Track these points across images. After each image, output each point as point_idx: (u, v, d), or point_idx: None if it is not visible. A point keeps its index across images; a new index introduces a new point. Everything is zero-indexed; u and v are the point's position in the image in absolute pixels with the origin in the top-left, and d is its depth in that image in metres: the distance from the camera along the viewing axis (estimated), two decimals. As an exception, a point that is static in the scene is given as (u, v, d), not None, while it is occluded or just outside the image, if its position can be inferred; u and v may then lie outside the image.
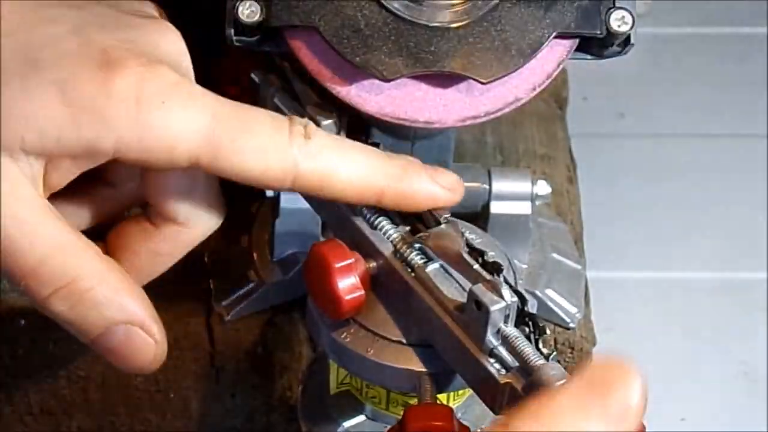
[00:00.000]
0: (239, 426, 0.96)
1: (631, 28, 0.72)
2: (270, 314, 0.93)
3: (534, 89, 0.74)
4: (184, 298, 0.94)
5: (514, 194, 0.89)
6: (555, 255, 0.95)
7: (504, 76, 0.71)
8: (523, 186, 0.90)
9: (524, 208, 0.90)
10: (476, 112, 0.74)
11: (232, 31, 0.73)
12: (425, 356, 0.70)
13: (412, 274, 0.69)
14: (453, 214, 0.73)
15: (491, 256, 0.68)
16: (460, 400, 0.76)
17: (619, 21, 0.72)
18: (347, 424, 0.79)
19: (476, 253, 0.69)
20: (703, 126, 1.43)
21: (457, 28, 0.71)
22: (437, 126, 0.74)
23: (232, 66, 0.88)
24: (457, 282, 0.68)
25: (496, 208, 0.90)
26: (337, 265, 0.69)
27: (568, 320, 0.92)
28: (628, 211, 1.33)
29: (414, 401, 0.71)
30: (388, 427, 0.69)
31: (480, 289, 0.64)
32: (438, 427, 0.65)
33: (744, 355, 1.24)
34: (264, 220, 0.95)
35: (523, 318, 0.65)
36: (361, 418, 0.79)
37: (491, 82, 0.71)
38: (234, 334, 0.93)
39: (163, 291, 0.93)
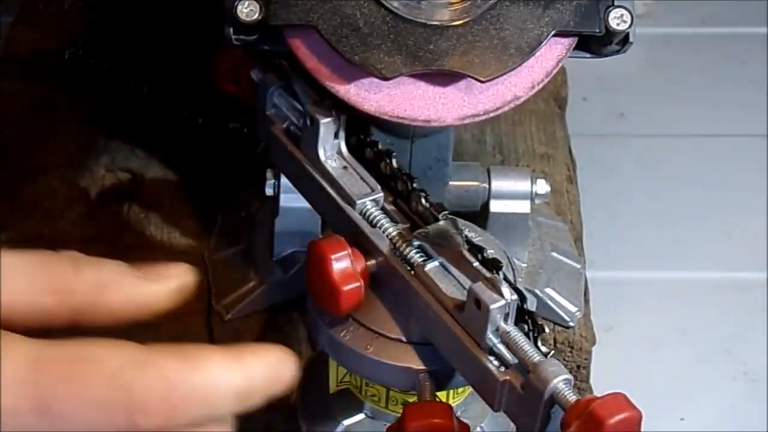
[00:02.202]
0: (238, 425, 0.96)
1: (630, 26, 0.72)
2: (270, 314, 0.92)
3: (533, 87, 0.73)
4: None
5: (513, 193, 0.89)
6: (554, 254, 0.95)
7: (502, 75, 0.71)
8: (522, 185, 0.89)
9: (523, 206, 0.90)
10: (475, 110, 0.73)
11: (231, 30, 0.73)
12: (424, 354, 0.70)
13: (412, 272, 0.69)
14: (452, 213, 0.72)
15: (490, 253, 0.68)
16: (459, 398, 0.76)
17: (617, 19, 0.72)
18: (347, 422, 0.79)
19: (476, 250, 0.68)
20: (703, 126, 1.42)
21: (456, 26, 0.71)
22: (436, 124, 0.74)
23: (230, 65, 0.88)
24: (457, 280, 0.68)
25: (495, 206, 0.90)
26: (334, 257, 0.69)
27: (567, 319, 0.92)
28: (628, 211, 1.32)
29: (413, 399, 0.71)
30: (388, 425, 0.68)
31: (479, 287, 0.63)
32: (437, 425, 0.65)
33: (744, 355, 1.22)
34: (264, 219, 0.95)
35: (522, 316, 0.65)
36: (360, 416, 0.79)
37: (490, 80, 0.71)
38: (234, 334, 0.92)
39: None
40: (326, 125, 0.75)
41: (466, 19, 0.71)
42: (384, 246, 0.70)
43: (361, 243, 0.71)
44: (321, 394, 0.80)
